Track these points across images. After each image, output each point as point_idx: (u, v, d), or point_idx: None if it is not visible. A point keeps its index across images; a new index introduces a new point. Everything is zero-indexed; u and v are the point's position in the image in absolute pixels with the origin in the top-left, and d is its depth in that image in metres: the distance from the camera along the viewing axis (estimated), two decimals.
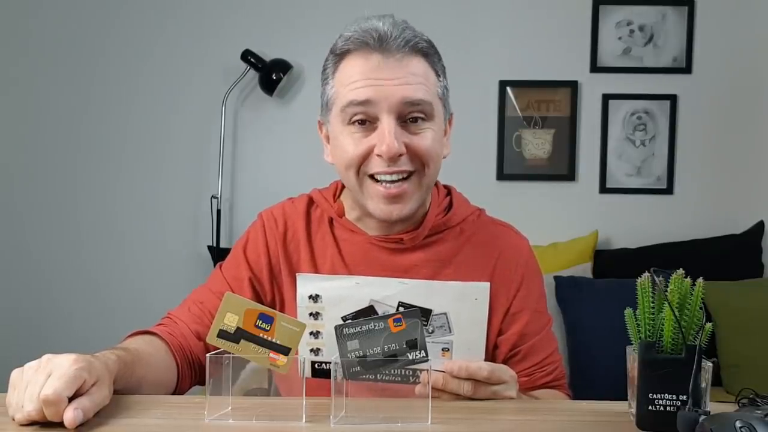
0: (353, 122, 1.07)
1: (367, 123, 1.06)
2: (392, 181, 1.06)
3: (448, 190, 1.24)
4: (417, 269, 1.13)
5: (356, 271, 1.13)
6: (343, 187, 1.21)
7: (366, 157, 1.07)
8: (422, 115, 1.07)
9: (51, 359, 0.81)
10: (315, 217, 1.19)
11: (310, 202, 1.21)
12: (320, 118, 1.17)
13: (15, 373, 0.82)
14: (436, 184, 1.22)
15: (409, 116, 1.06)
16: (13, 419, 0.80)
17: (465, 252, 1.16)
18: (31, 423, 0.79)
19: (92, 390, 0.82)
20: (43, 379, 0.79)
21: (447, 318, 0.96)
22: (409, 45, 1.06)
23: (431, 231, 1.15)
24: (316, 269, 1.15)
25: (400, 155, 1.05)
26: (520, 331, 1.14)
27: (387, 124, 1.04)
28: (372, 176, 1.07)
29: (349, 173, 1.09)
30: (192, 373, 1.10)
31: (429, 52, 1.09)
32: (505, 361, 1.13)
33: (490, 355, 1.13)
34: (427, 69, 1.09)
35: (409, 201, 1.08)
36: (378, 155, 1.05)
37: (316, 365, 0.99)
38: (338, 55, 1.09)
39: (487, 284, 0.98)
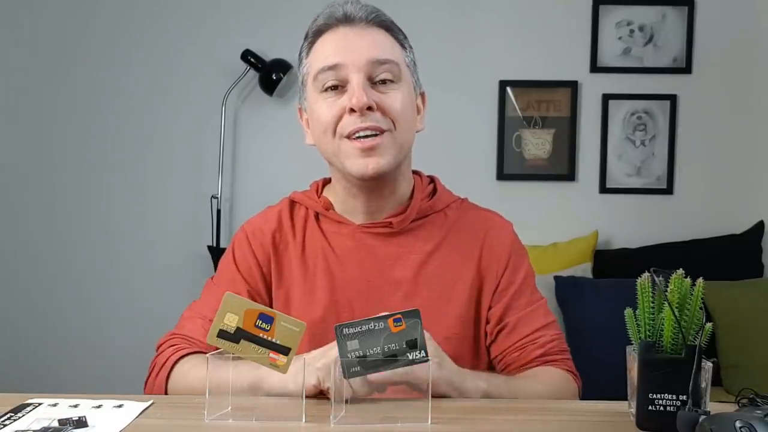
0: (326, 89, 1.12)
1: (339, 87, 1.11)
2: (366, 136, 1.10)
3: (431, 179, 1.27)
4: (407, 255, 1.16)
5: (347, 261, 1.16)
6: (324, 184, 1.25)
7: (340, 117, 1.11)
8: (390, 77, 1.12)
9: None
10: (299, 216, 1.22)
11: (291, 203, 1.24)
12: (299, 104, 1.22)
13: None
14: (420, 174, 1.25)
15: (378, 77, 1.11)
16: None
17: (452, 235, 1.19)
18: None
19: None
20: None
21: None
22: (372, 17, 1.14)
23: (417, 215, 1.19)
24: (306, 266, 1.17)
25: (370, 108, 1.09)
26: (507, 303, 1.17)
27: (356, 80, 1.09)
28: (347, 137, 1.11)
29: (326, 138, 1.13)
30: None
31: (392, 27, 1.16)
32: (495, 337, 1.16)
33: (483, 331, 1.17)
34: (392, 40, 1.15)
35: (383, 154, 1.11)
36: (350, 110, 1.09)
37: None
38: (310, 38, 1.16)
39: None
